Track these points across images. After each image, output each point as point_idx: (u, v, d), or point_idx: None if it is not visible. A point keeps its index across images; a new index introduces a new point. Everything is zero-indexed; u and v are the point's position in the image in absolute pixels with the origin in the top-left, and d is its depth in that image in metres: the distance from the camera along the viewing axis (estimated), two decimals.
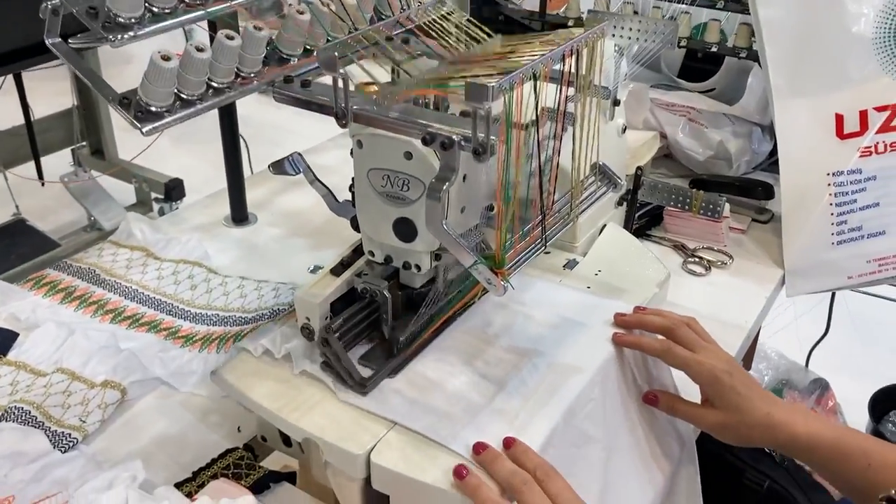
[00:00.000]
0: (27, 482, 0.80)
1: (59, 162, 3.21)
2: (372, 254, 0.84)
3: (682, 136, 1.49)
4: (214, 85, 0.71)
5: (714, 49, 1.43)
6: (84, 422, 0.91)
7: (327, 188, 0.87)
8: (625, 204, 1.14)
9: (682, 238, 1.31)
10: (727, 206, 1.21)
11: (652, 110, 1.51)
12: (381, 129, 0.73)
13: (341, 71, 0.69)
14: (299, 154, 0.86)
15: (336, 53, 0.68)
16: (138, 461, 0.81)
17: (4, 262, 2.52)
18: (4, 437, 0.84)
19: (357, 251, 0.87)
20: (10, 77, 2.24)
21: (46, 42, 0.64)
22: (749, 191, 1.38)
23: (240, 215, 1.37)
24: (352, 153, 0.84)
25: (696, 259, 1.26)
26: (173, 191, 2.99)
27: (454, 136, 0.66)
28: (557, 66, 0.74)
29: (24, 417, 0.90)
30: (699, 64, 1.63)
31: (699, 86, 1.55)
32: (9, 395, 0.96)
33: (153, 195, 3.06)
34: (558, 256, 1.03)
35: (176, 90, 0.67)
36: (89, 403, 0.93)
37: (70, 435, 0.89)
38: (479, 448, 0.71)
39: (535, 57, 0.71)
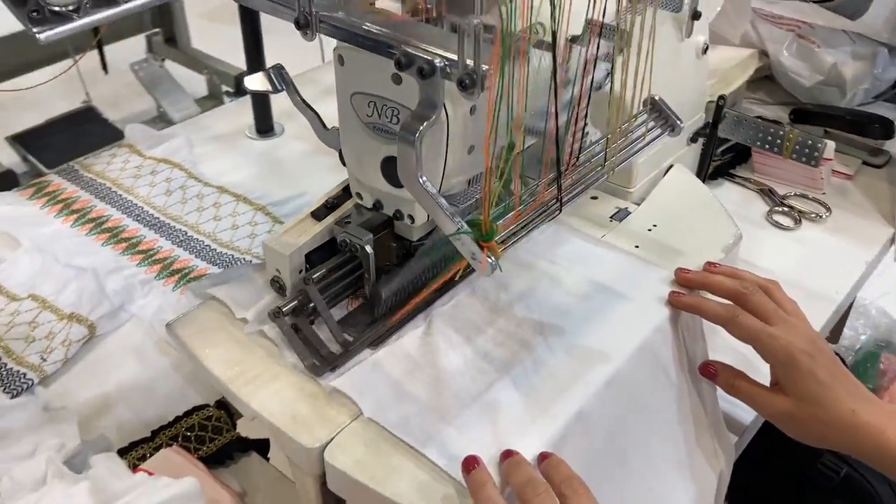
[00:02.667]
0: None
1: (134, 48, 3.13)
2: (360, 196, 0.69)
3: (786, 55, 1.24)
4: None
5: None
6: (44, 360, 0.81)
7: (314, 111, 0.71)
8: (700, 140, 0.94)
9: (773, 181, 1.10)
10: (830, 146, 0.98)
11: (754, 23, 1.26)
12: (354, 44, 0.56)
13: None
14: (280, 67, 0.70)
15: None
16: (74, 424, 0.71)
17: (72, 149, 2.50)
18: None
19: (347, 191, 0.72)
20: None
21: None
22: (862, 127, 1.14)
23: (264, 125, 1.23)
24: None
25: (786, 209, 1.05)
26: (242, 84, 2.87)
27: (436, 61, 0.49)
28: None
29: None
30: None
31: None
32: None
33: (224, 88, 2.95)
34: (606, 204, 0.85)
35: None
36: (54, 338, 0.83)
37: (25, 375, 0.79)
38: (506, 454, 0.58)
39: None
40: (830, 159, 1.07)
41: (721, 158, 1.13)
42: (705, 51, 0.87)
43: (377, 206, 0.68)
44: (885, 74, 1.25)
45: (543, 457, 0.59)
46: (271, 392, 0.63)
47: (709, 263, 0.74)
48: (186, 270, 0.96)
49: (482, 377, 0.64)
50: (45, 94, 3.08)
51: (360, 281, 0.71)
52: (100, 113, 2.78)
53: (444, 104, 0.58)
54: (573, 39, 0.62)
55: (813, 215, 1.04)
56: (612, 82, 0.61)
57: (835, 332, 1.08)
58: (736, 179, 1.11)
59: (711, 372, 0.71)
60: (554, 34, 0.52)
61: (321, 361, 0.64)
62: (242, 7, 1.13)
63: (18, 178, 2.45)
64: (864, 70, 1.22)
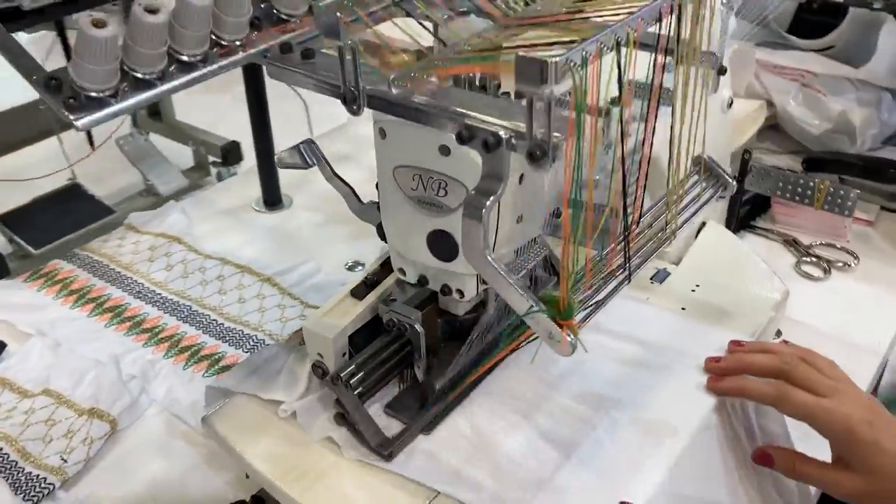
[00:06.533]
0: None
1: (119, 123, 3.10)
2: (403, 272, 0.66)
3: (793, 105, 1.24)
4: (183, 58, 0.52)
5: None
6: (65, 461, 0.76)
7: (349, 186, 0.68)
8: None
9: (795, 231, 1.08)
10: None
11: (757, 74, 1.26)
12: (406, 117, 0.54)
13: (350, 40, 0.50)
14: (312, 142, 0.68)
15: (340, 14, 0.49)
16: None
17: (59, 228, 2.45)
18: None
19: (386, 267, 0.69)
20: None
21: None
22: (879, 172, 1.14)
23: (272, 198, 1.20)
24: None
25: (813, 259, 1.03)
26: (230, 154, 2.85)
27: (501, 133, 0.47)
28: (651, 29, 0.53)
29: None
30: (815, 16, 1.36)
31: (814, 43, 1.29)
32: None
33: (210, 158, 2.93)
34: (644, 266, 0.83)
35: (125, 67, 0.49)
36: (74, 437, 0.78)
37: (45, 480, 0.74)
38: None
39: (618, 17, 0.51)
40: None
41: (740, 210, 1.11)
42: (730, 105, 0.86)
43: (422, 281, 0.65)
44: (891, 119, 1.25)
45: None
46: (327, 487, 0.59)
47: (734, 343, 0.71)
48: (195, 347, 0.92)
49: (547, 460, 0.61)
50: (29, 173, 3.04)
51: (405, 360, 0.67)
52: (86, 189, 2.74)
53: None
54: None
55: (841, 264, 1.02)
56: (672, 138, 0.59)
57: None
58: (758, 230, 1.10)
59: (767, 459, 0.67)
60: (620, 90, 0.50)
61: (377, 450, 0.60)
62: (248, 79, 1.11)
63: (6, 260, 2.40)
64: (872, 116, 1.22)
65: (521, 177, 0.58)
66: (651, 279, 0.80)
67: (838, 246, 1.05)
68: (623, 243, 0.55)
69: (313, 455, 0.62)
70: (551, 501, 0.57)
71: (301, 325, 0.93)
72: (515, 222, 0.60)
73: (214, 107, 3.50)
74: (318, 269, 1.05)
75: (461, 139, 0.48)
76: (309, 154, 0.68)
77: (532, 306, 0.50)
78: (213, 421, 0.65)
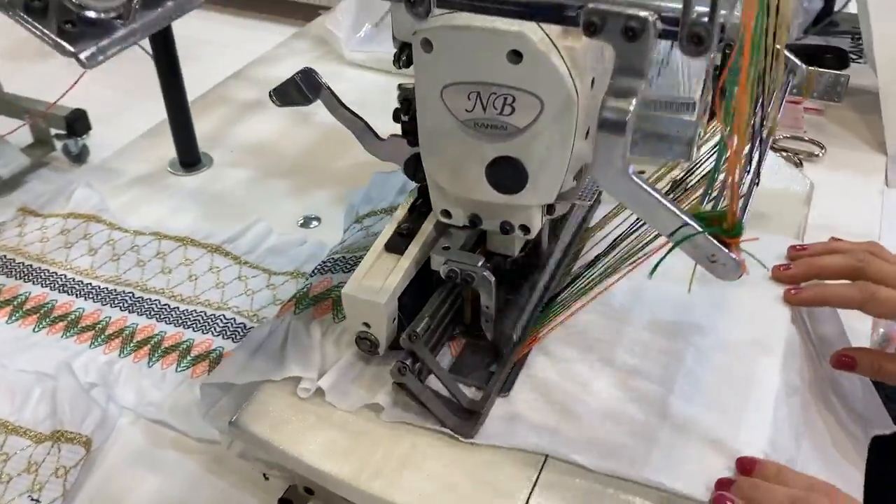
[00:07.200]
0: None
1: None
2: (447, 214, 0.56)
3: None
4: None
5: None
6: (37, 501, 0.62)
7: (362, 120, 0.57)
8: None
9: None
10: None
11: None
12: (476, 12, 0.43)
13: None
14: (312, 71, 0.56)
15: None
16: None
17: None
18: None
19: (417, 212, 0.58)
20: None
21: None
22: (817, 60, 1.13)
23: (190, 158, 1.04)
24: (395, 61, 0.55)
25: (782, 153, 1.01)
26: (77, 124, 2.55)
27: (646, 15, 0.38)
28: None
29: None
30: None
31: None
32: None
33: (53, 131, 2.62)
34: (655, 177, 0.77)
35: None
36: (40, 470, 0.64)
37: None
38: (722, 482, 0.48)
39: None
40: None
41: None
42: None
43: (474, 221, 0.55)
44: (811, 6, 1.25)
45: (749, 465, 0.50)
46: (413, 477, 0.50)
47: (794, 248, 0.67)
48: (155, 339, 0.78)
49: (646, 403, 0.54)
50: None
51: (456, 317, 0.58)
52: None
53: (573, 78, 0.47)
54: None
55: (809, 155, 1.01)
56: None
57: None
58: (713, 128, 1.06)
59: (847, 362, 0.62)
60: None
61: (466, 420, 0.51)
62: (156, 37, 0.94)
63: None
64: (797, 4, 1.21)
65: (593, 81, 0.50)
66: (668, 190, 0.74)
67: (805, 138, 1.03)
68: (756, 134, 0.48)
69: (383, 441, 0.52)
70: (673, 444, 0.51)
71: (271, 296, 0.83)
72: (584, 139, 0.52)
73: (43, 74, 3.15)
74: (270, 229, 0.92)
75: (591, 29, 0.38)
76: (308, 86, 0.56)
77: (685, 224, 0.42)
78: (246, 422, 0.54)
